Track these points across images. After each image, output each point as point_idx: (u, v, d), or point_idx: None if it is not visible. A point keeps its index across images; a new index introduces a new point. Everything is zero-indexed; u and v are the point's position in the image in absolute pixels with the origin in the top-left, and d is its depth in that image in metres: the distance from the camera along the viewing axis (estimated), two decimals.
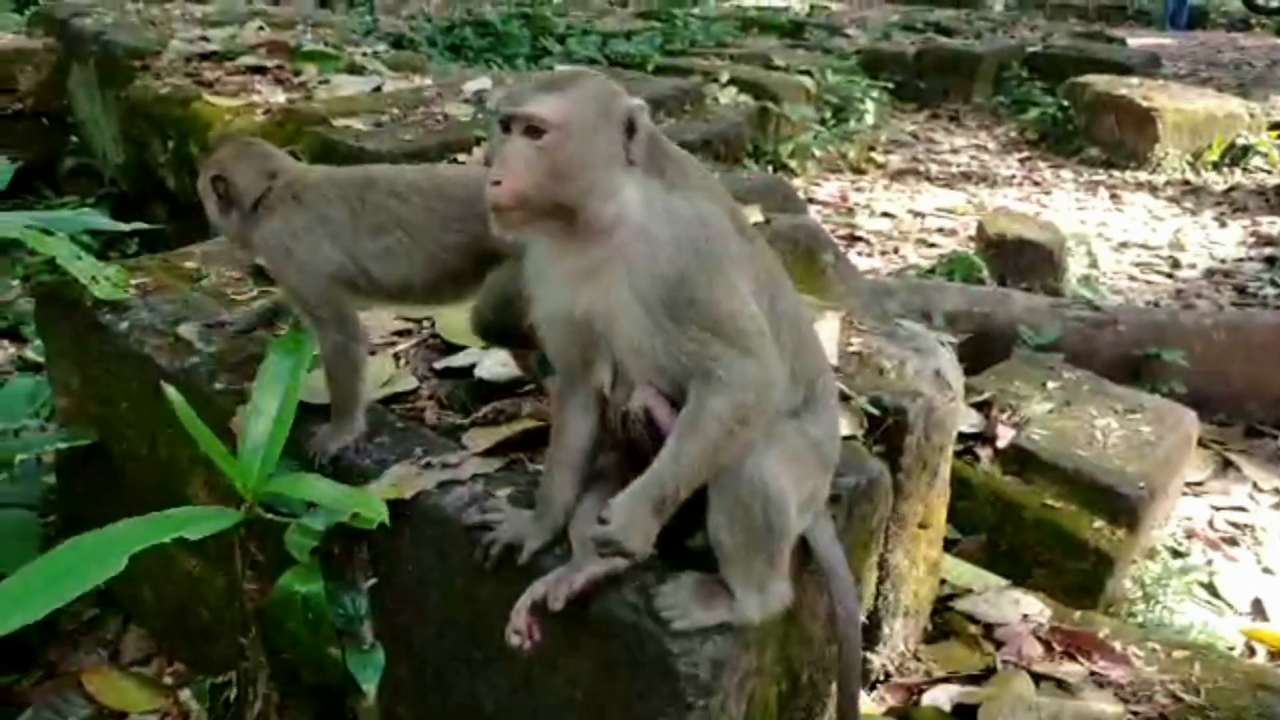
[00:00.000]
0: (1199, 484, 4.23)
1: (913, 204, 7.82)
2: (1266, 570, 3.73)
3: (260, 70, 5.63)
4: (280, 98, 5.10)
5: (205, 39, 6.13)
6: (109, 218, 3.29)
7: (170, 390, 2.04)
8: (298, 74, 5.57)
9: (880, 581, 2.56)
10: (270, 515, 2.06)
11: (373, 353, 2.51)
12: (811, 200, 7.57)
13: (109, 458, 2.77)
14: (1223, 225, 7.56)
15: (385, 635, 2.14)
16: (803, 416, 1.86)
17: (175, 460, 2.54)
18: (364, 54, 6.27)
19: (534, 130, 1.63)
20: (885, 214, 7.53)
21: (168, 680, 2.71)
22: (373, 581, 2.11)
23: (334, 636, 2.08)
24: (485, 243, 1.99)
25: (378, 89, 5.31)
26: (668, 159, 1.75)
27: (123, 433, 2.71)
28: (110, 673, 2.72)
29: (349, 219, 2.17)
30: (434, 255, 2.16)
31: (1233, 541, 3.89)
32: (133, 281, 2.78)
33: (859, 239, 6.96)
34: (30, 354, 4.43)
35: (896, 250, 6.83)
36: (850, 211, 7.52)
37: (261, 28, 6.57)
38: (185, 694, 2.61)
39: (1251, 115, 8.89)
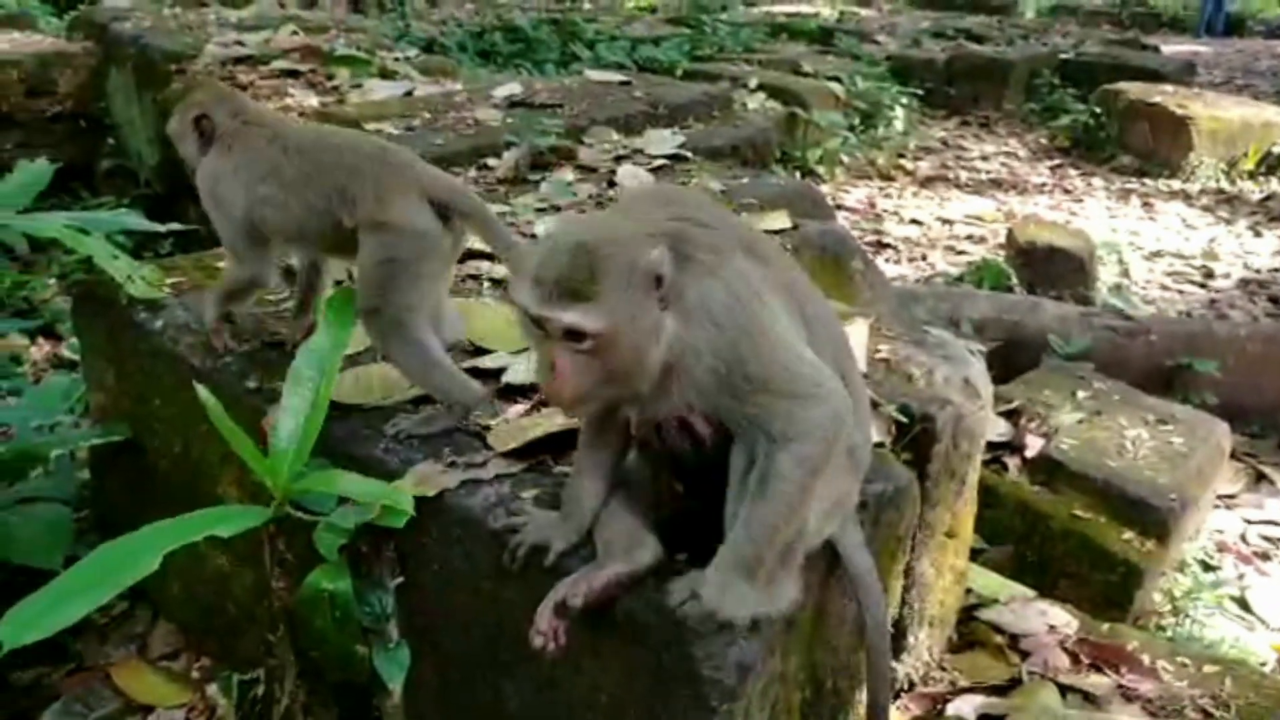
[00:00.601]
0: (1231, 497, 4.18)
1: (942, 211, 7.78)
2: None
3: (294, 74, 5.70)
4: (313, 101, 5.16)
5: (240, 43, 6.22)
6: (144, 218, 3.34)
7: (202, 389, 2.06)
8: (330, 78, 5.64)
9: (906, 590, 2.55)
10: (299, 513, 2.08)
11: None
12: (840, 207, 7.55)
13: (142, 454, 2.81)
14: (1258, 235, 7.46)
15: (411, 634, 2.15)
16: None
17: (206, 457, 2.58)
18: (395, 59, 6.33)
19: (576, 335, 1.60)
20: (914, 221, 7.50)
21: (195, 675, 2.74)
22: (399, 580, 2.13)
23: (360, 634, 2.10)
24: (338, 210, 2.20)
25: (409, 93, 5.36)
26: (682, 252, 1.67)
27: (155, 429, 2.75)
28: (138, 666, 2.75)
29: (256, 167, 2.32)
30: (305, 210, 2.27)
31: (1265, 556, 3.84)
32: (167, 281, 2.82)
33: (887, 245, 6.93)
34: (66, 352, 4.51)
35: (925, 257, 6.80)
36: (878, 218, 7.49)
37: (295, 32, 6.65)
38: (212, 689, 2.64)
39: None
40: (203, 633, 2.81)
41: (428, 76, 5.88)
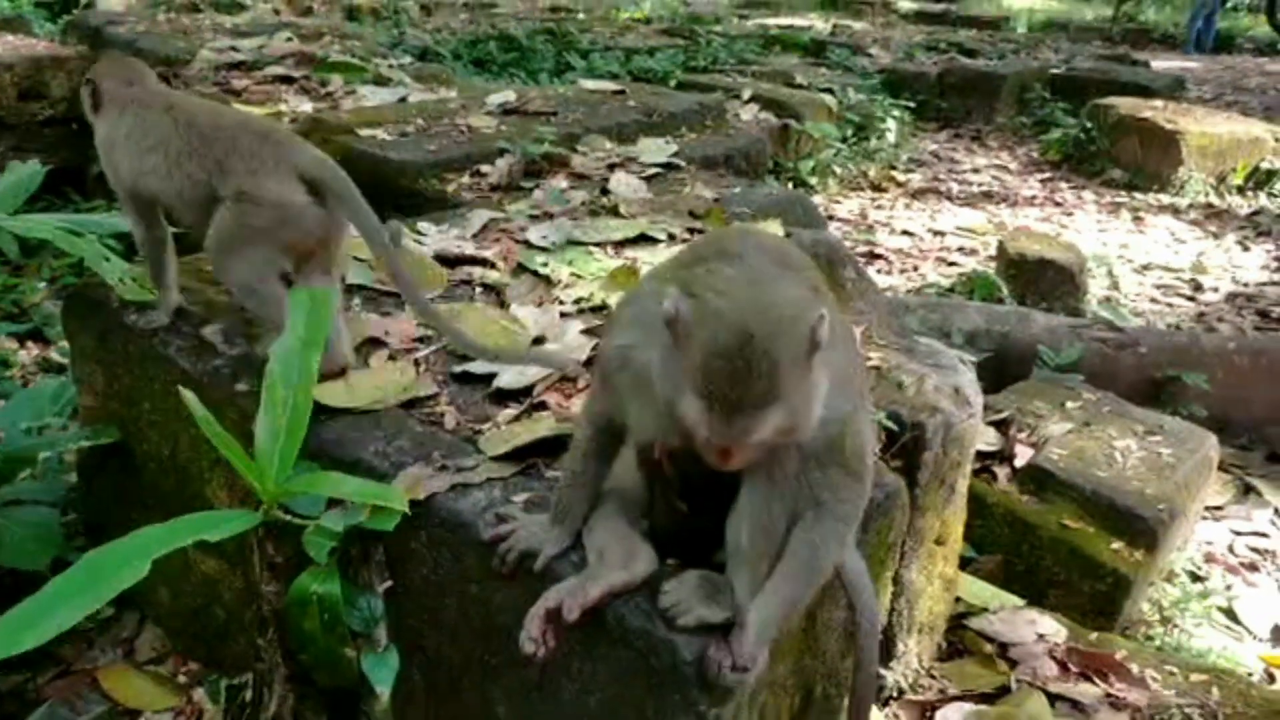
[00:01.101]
0: (1219, 508, 4.19)
1: (933, 223, 7.81)
2: None
3: (288, 80, 5.71)
4: (307, 107, 5.16)
5: (234, 49, 6.23)
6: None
7: (187, 394, 2.06)
8: (324, 84, 5.64)
9: (895, 597, 2.55)
10: (289, 517, 2.07)
11: (393, 358, 2.55)
12: (831, 217, 7.58)
13: (131, 457, 2.80)
14: (1245, 249, 7.51)
15: (400, 639, 2.14)
16: None
17: (195, 461, 2.57)
18: (390, 65, 6.34)
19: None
20: (905, 232, 7.53)
21: (183, 679, 2.72)
22: (389, 584, 2.12)
23: (349, 638, 2.09)
24: (215, 181, 2.34)
25: (403, 100, 5.37)
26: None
27: (145, 433, 2.74)
28: (125, 671, 2.74)
29: (147, 136, 2.43)
30: (186, 181, 2.39)
31: (1253, 567, 3.85)
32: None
33: (878, 256, 6.96)
34: (55, 355, 4.48)
35: (916, 268, 6.82)
36: (870, 229, 7.52)
37: (290, 38, 6.66)
38: (200, 693, 2.62)
39: (1277, 139, 8.84)
40: (190, 637, 2.80)
41: (422, 84, 5.89)
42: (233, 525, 1.98)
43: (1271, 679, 3.22)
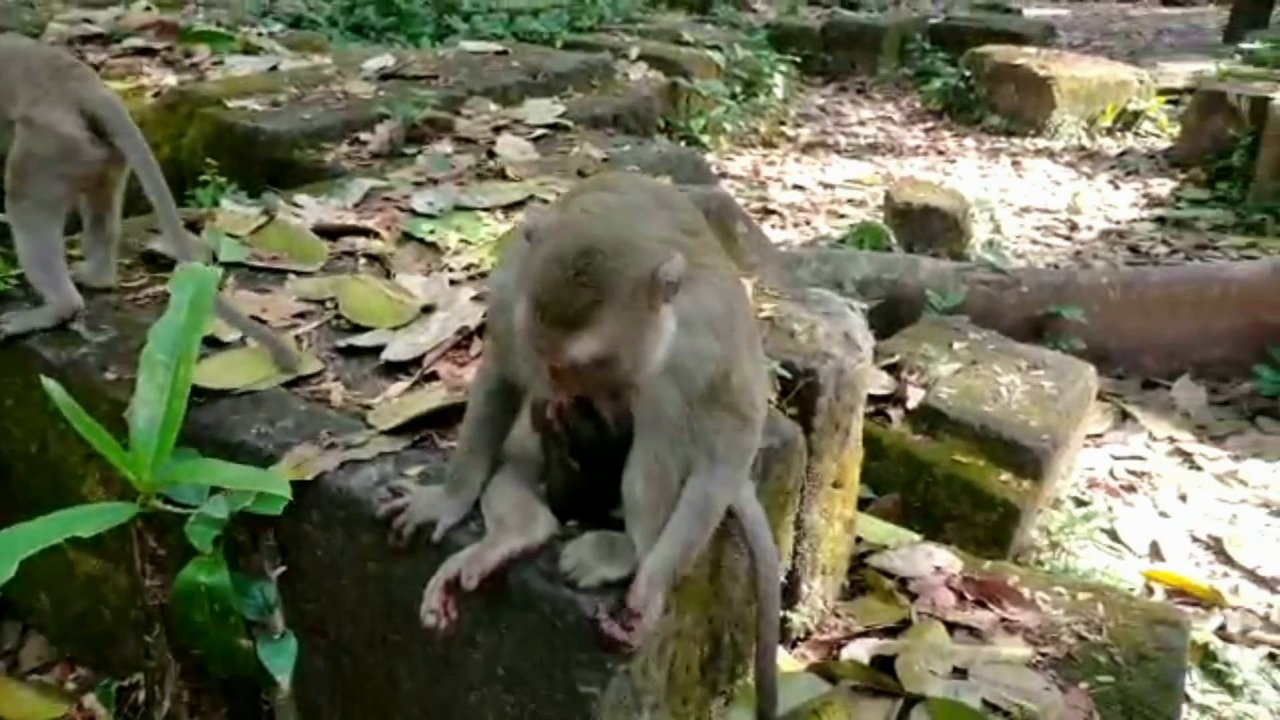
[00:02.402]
0: (1099, 435, 4.41)
1: (823, 176, 7.93)
2: (1163, 514, 3.91)
3: (149, 52, 5.38)
4: (171, 80, 4.89)
5: (88, 20, 5.84)
6: None
7: (50, 383, 1.94)
8: (189, 55, 5.35)
9: (798, 541, 2.60)
10: (169, 507, 1.98)
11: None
12: (724, 175, 7.62)
13: None
14: (1116, 188, 7.85)
15: (298, 623, 2.08)
16: None
17: (67, 457, 2.43)
18: (259, 34, 6.06)
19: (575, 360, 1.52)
20: (796, 186, 7.63)
21: (71, 686, 2.59)
22: (282, 569, 2.05)
23: (243, 628, 2.01)
24: (6, 105, 2.42)
25: (274, 69, 5.13)
26: (686, 251, 1.60)
27: (9, 431, 2.58)
28: (7, 683, 2.60)
29: None
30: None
31: (1131, 489, 4.06)
32: (13, 273, 2.64)
33: (772, 212, 7.03)
34: None
35: (808, 222, 6.92)
36: (762, 185, 7.59)
37: (148, 8, 6.28)
38: (90, 699, 2.50)
39: (1141, 82, 9.23)
40: (77, 642, 2.67)
41: (295, 51, 5.64)
42: (107, 519, 1.88)
43: (1151, 591, 3.41)
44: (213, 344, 2.35)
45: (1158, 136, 8.96)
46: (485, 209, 3.31)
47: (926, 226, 6.12)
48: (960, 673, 2.46)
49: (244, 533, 2.02)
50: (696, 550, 1.83)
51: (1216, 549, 3.70)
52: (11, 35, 2.76)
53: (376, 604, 1.99)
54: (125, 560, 2.29)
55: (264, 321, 2.47)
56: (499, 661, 1.87)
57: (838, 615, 2.77)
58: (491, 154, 3.97)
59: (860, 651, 2.56)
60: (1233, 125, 7.53)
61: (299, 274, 2.79)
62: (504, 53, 5.70)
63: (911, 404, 3.54)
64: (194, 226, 2.96)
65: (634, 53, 7.98)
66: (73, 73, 2.51)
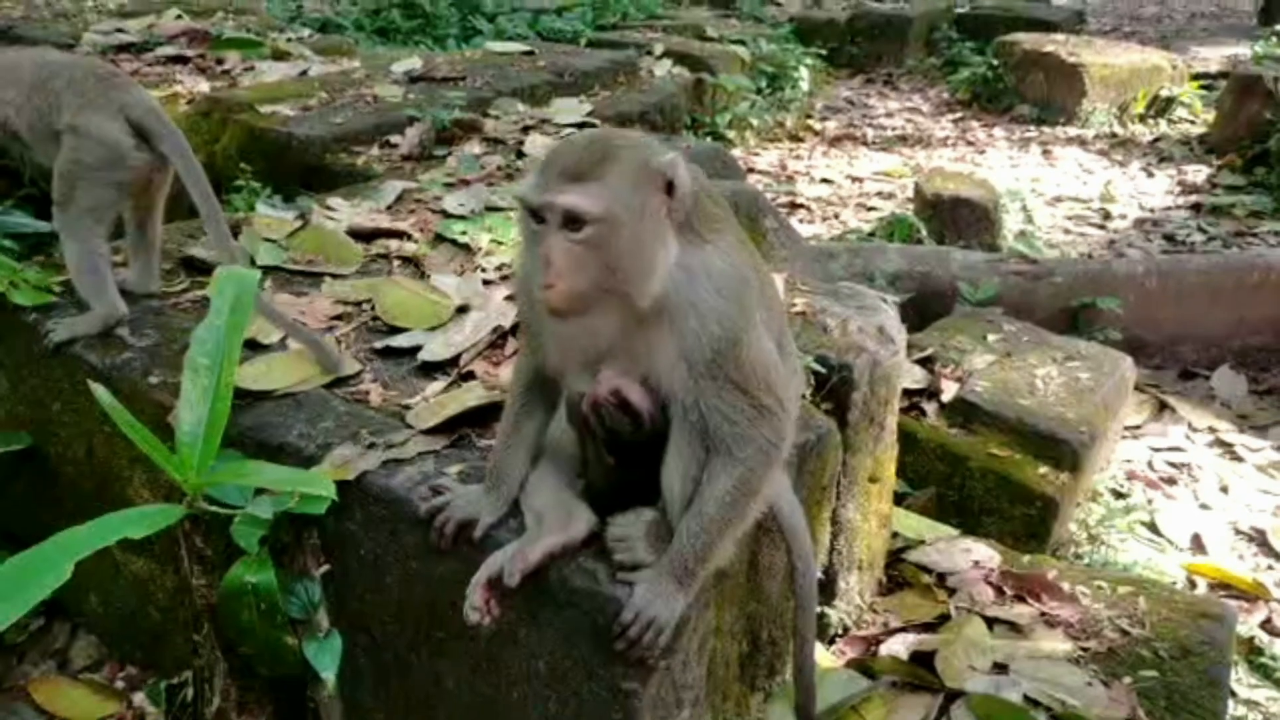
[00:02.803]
0: (1137, 427, 4.35)
1: (851, 169, 7.87)
2: (1204, 506, 3.85)
3: (181, 60, 5.47)
4: (204, 86, 4.96)
5: (121, 30, 5.94)
6: (30, 218, 3.19)
7: (98, 388, 1.98)
8: (220, 62, 5.43)
9: (834, 537, 2.59)
10: (215, 508, 2.01)
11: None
12: (751, 170, 7.58)
13: (45, 462, 2.69)
14: (1150, 175, 7.73)
15: (342, 622, 2.11)
16: None
17: (113, 460, 2.48)
18: (289, 39, 6.13)
19: (574, 222, 1.55)
20: (824, 180, 7.58)
21: (121, 685, 2.65)
22: (326, 568, 2.08)
23: (289, 626, 2.05)
24: (53, 114, 2.48)
25: (304, 73, 5.20)
26: (697, 207, 1.68)
27: (57, 435, 2.64)
28: (59, 682, 2.65)
29: (8, 72, 2.57)
30: (34, 113, 2.52)
31: (1171, 481, 4.01)
32: (56, 280, 2.69)
33: (800, 206, 7.00)
34: None
35: (837, 215, 6.88)
36: (790, 179, 7.55)
37: (180, 16, 6.37)
38: (139, 697, 2.55)
39: (1174, 67, 9.08)
40: (125, 641, 2.72)
41: (323, 56, 5.70)
42: (156, 520, 1.91)
43: (1193, 585, 3.37)
44: (253, 347, 2.39)
45: (1192, 122, 8.81)
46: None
47: (957, 218, 6.06)
48: (1001, 668, 2.44)
49: (288, 532, 2.05)
50: (718, 550, 1.77)
51: (1260, 541, 3.64)
52: (44, 49, 2.81)
53: (419, 602, 2.01)
54: (172, 560, 2.33)
55: (303, 324, 2.50)
56: (540, 658, 1.89)
57: (875, 611, 2.76)
58: (521, 154, 3.99)
59: (899, 647, 2.55)
60: (1269, 109, 7.39)
61: (335, 276, 2.82)
62: (530, 53, 5.72)
63: (946, 397, 3.51)
64: (231, 231, 3.00)
65: (658, 49, 7.98)
66: (114, 81, 2.57)
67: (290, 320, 2.41)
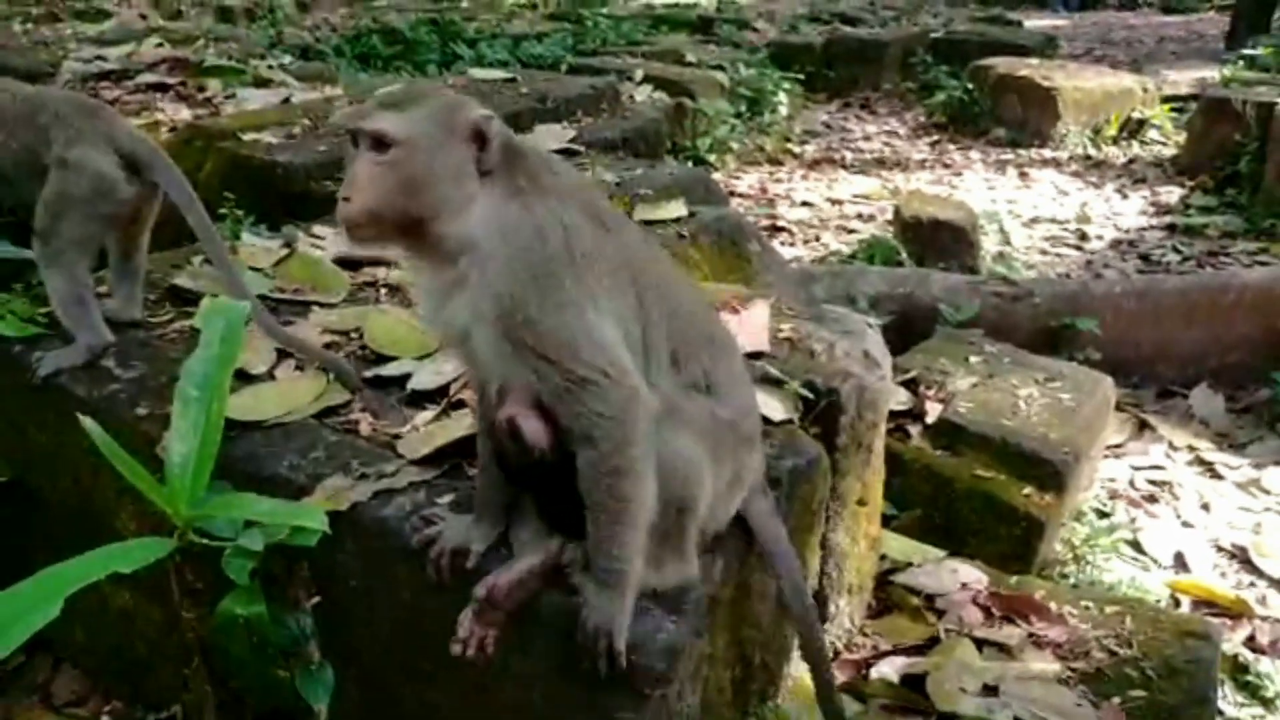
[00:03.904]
0: (1118, 446, 4.40)
1: (830, 192, 7.95)
2: (1185, 525, 3.89)
3: (162, 88, 5.46)
4: (185, 114, 4.95)
5: (101, 58, 5.92)
6: (11, 245, 3.16)
7: (88, 421, 1.96)
8: (202, 89, 5.41)
9: (824, 561, 2.60)
10: (205, 540, 2.00)
11: (300, 368, 2.48)
12: (732, 193, 7.64)
13: (28, 495, 2.67)
14: (1124, 197, 7.86)
15: (333, 653, 2.09)
16: (711, 399, 1.87)
17: (100, 492, 2.45)
18: (270, 66, 6.13)
19: (380, 145, 1.65)
20: (804, 203, 7.65)
21: (105, 719, 2.62)
22: (316, 599, 2.07)
23: (280, 658, 2.03)
24: (41, 148, 2.46)
25: (287, 101, 5.19)
26: (520, 164, 1.74)
27: (41, 468, 2.61)
28: (42, 716, 2.61)
29: None
30: (21, 147, 2.51)
31: (1153, 499, 4.05)
32: (42, 311, 2.67)
33: (781, 229, 7.05)
34: None
35: (818, 238, 6.94)
36: (771, 202, 7.61)
37: (160, 44, 6.37)
38: None
39: (1145, 90, 9.25)
40: (111, 675, 2.68)
41: (305, 83, 5.71)
42: (147, 554, 1.90)
43: (1177, 603, 3.40)
44: (242, 377, 2.38)
45: (1164, 144, 8.97)
46: None
47: (936, 240, 6.13)
48: (991, 690, 2.46)
49: (279, 564, 2.04)
50: (623, 544, 1.71)
51: (1242, 558, 3.68)
52: (7, 80, 2.77)
53: (411, 632, 2.00)
54: (160, 594, 2.31)
55: (290, 355, 2.50)
56: (534, 689, 1.88)
57: (865, 634, 2.77)
58: None
59: (889, 670, 2.56)
60: (1239, 131, 7.53)
61: (322, 305, 2.82)
62: (513, 79, 5.76)
63: (930, 419, 3.54)
64: None
65: (639, 75, 8.04)
66: (101, 113, 2.57)
67: (305, 343, 2.41)
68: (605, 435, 1.67)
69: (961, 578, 2.89)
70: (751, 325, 2.68)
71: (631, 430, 1.68)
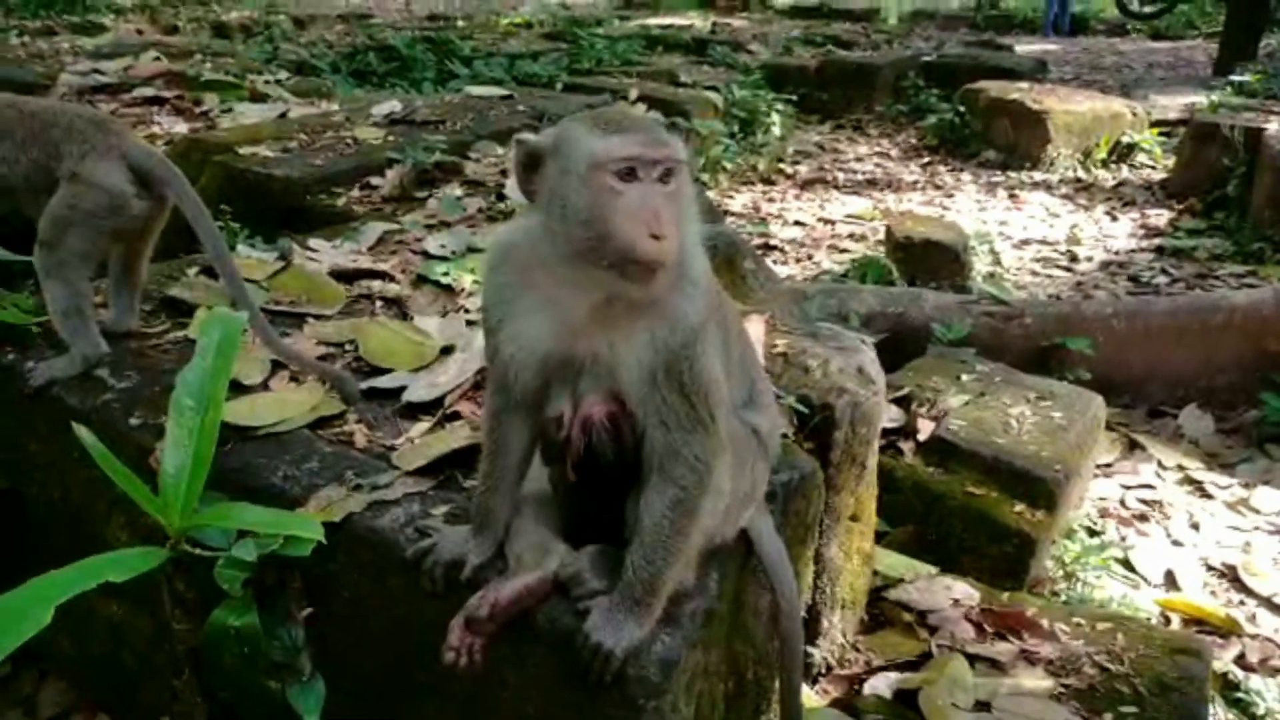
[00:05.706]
0: (1109, 465, 4.42)
1: (823, 212, 8.00)
2: (1175, 543, 3.91)
3: (159, 101, 5.49)
4: (182, 128, 4.97)
5: (98, 71, 5.96)
6: (4, 250, 3.17)
7: (82, 431, 1.96)
8: (198, 103, 5.45)
9: (817, 576, 2.61)
10: (198, 550, 1.99)
11: (295, 379, 2.48)
12: (726, 212, 7.69)
13: (20, 504, 2.65)
14: (1114, 219, 7.92)
15: (325, 665, 2.08)
16: (746, 408, 1.89)
17: (92, 502, 2.44)
18: (266, 81, 6.16)
19: (668, 175, 1.56)
20: (797, 222, 7.69)
21: None
22: (309, 611, 2.06)
23: (272, 670, 2.02)
24: (52, 164, 2.46)
25: (283, 115, 5.22)
26: None
27: (34, 477, 2.60)
28: None
29: None
30: (30, 165, 2.49)
31: (1143, 518, 4.07)
32: (36, 320, 2.67)
33: (773, 248, 7.09)
34: None
35: (810, 257, 6.98)
36: (763, 221, 7.65)
37: (157, 58, 6.40)
38: None
39: (1134, 114, 9.35)
40: (99, 687, 2.66)
41: (302, 98, 5.74)
42: (139, 564, 1.89)
43: (1167, 620, 3.41)
44: (236, 387, 2.37)
45: (1153, 168, 9.06)
46: None
47: (927, 260, 6.17)
48: (983, 706, 2.46)
49: (272, 575, 2.03)
50: (665, 577, 1.73)
51: (1231, 577, 3.70)
52: (49, 100, 2.79)
53: (404, 645, 1.99)
54: (150, 605, 2.30)
55: (285, 366, 2.50)
56: (529, 701, 1.88)
57: (858, 649, 2.77)
58: (501, 196, 4.02)
59: (882, 686, 2.56)
60: (1227, 156, 7.61)
61: (318, 317, 2.82)
62: (509, 97, 5.79)
63: (923, 436, 3.56)
64: (212, 273, 3.00)
65: (633, 94, 8.10)
66: (110, 127, 2.57)
67: (304, 356, 2.41)
68: (690, 478, 1.69)
69: (954, 594, 2.89)
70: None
71: (711, 478, 1.73)
